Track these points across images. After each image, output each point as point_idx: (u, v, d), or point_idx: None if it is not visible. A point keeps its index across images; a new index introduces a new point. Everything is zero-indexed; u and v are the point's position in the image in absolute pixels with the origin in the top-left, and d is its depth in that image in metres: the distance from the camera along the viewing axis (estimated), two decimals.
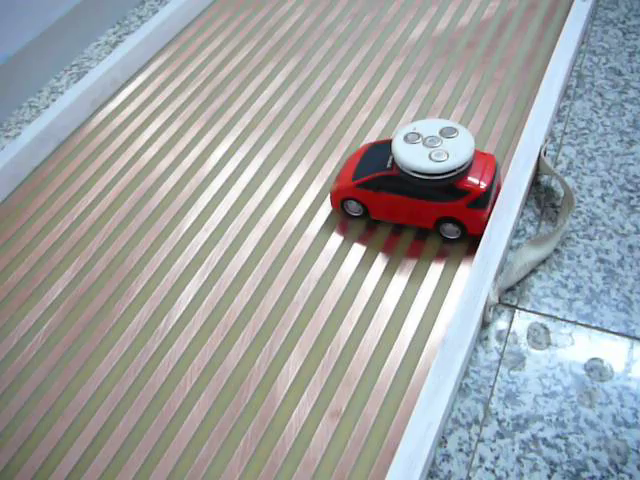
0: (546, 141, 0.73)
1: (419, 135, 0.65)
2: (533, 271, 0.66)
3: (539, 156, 0.71)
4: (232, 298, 0.65)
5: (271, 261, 0.68)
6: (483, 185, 0.64)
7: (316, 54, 0.92)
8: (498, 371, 0.59)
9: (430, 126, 0.66)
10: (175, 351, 0.62)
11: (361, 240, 0.69)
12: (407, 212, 0.66)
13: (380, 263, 0.66)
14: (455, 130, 0.65)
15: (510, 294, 0.64)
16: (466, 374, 0.59)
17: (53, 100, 0.95)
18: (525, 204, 0.72)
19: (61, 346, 0.64)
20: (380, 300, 0.63)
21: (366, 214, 0.69)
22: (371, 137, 0.79)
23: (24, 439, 0.58)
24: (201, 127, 0.84)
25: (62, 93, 0.97)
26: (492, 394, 0.58)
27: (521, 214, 0.71)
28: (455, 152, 0.63)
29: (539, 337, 0.61)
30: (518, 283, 0.65)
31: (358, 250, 0.68)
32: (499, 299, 0.64)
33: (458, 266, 0.65)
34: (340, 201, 0.69)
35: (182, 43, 0.97)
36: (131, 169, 0.80)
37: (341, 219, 0.71)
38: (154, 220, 0.74)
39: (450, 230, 0.66)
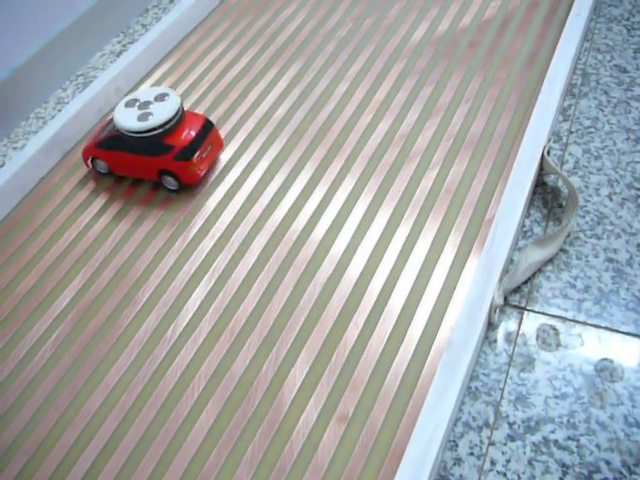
0: (549, 140, 0.73)
1: (137, 100, 0.76)
2: (541, 272, 0.65)
3: (542, 156, 0.71)
4: (238, 304, 0.65)
5: (276, 266, 0.68)
6: (186, 140, 0.74)
7: (318, 58, 0.92)
8: (508, 373, 0.59)
9: (150, 93, 0.77)
10: (182, 358, 0.62)
11: (365, 243, 0.68)
12: (136, 167, 0.77)
13: (384, 268, 0.66)
14: (167, 95, 0.76)
15: (518, 295, 0.64)
16: (476, 377, 0.59)
17: (59, 110, 0.96)
18: (531, 204, 0.72)
19: (70, 356, 0.64)
20: (385, 304, 0.63)
21: (111, 171, 0.80)
22: (374, 140, 0.79)
23: (35, 449, 0.58)
24: None
25: (68, 103, 0.97)
26: (502, 397, 0.57)
27: (528, 215, 0.71)
28: (159, 112, 0.74)
29: (548, 338, 0.61)
30: (525, 284, 0.65)
31: (363, 253, 0.68)
32: (504, 300, 0.63)
33: (463, 267, 0.65)
34: (89, 160, 0.80)
35: (185, 50, 0.97)
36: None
37: (343, 224, 0.71)
38: (160, 228, 0.74)
39: (170, 182, 0.76)
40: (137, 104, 0.76)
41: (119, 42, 1.05)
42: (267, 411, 0.57)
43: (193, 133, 0.75)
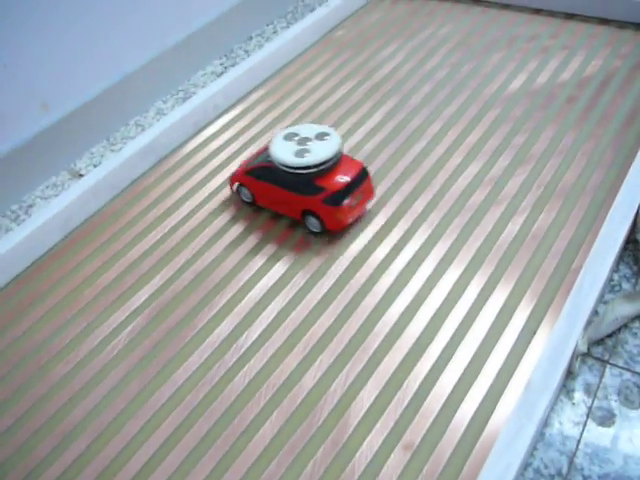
0: None
1: (297, 135, 0.75)
2: (627, 327, 0.63)
3: (638, 212, 0.69)
4: (314, 320, 0.65)
5: (356, 289, 0.68)
6: (339, 184, 0.71)
7: (414, 97, 0.93)
8: (586, 425, 0.56)
9: (310, 130, 0.75)
10: (252, 366, 0.62)
11: (446, 278, 0.68)
12: (280, 202, 0.75)
13: (463, 304, 0.65)
14: (328, 134, 0.74)
15: (602, 349, 0.62)
16: (551, 424, 0.57)
17: (158, 120, 1.00)
18: (621, 260, 0.70)
19: (142, 349, 0.65)
20: (462, 338, 0.62)
21: (254, 201, 0.78)
22: (463, 181, 0.79)
23: (97, 434, 0.58)
24: None
25: (167, 115, 1.01)
26: (578, 448, 0.55)
27: (616, 269, 0.69)
28: (318, 152, 0.72)
29: (632, 395, 0.58)
30: (610, 337, 0.62)
31: (443, 288, 0.67)
32: (588, 349, 0.61)
33: (545, 313, 0.63)
34: (235, 186, 0.79)
35: (284, 77, 1.00)
36: (224, 190, 0.82)
37: (425, 258, 0.70)
38: (243, 240, 0.75)
39: (313, 223, 0.74)
40: (296, 139, 0.74)
41: (221, 64, 1.09)
42: (332, 429, 0.56)
43: (347, 179, 0.72)
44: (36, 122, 0.90)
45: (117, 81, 0.96)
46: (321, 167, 0.71)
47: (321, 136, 0.74)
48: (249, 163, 0.77)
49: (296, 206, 0.73)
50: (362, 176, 0.73)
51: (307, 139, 0.74)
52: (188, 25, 1.05)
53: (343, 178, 0.72)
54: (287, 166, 0.72)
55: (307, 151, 0.72)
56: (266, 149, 0.78)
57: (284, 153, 0.72)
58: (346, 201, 0.71)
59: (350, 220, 0.73)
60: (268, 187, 0.75)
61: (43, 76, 0.89)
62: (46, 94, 0.90)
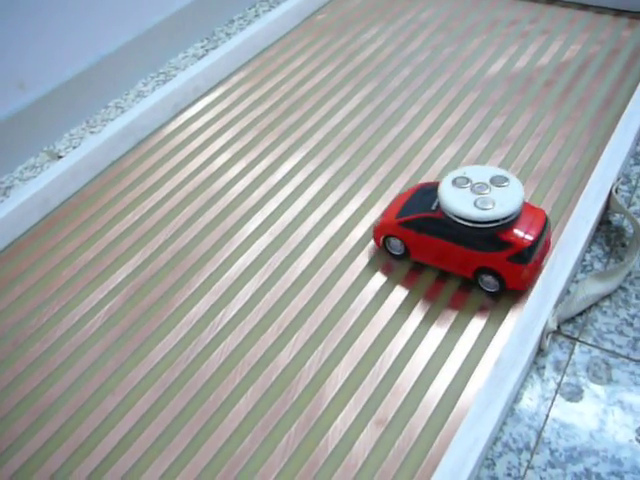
0: (618, 179, 0.72)
1: (468, 180, 0.63)
2: (597, 306, 0.64)
3: (610, 192, 0.70)
4: (289, 301, 0.66)
5: (331, 269, 0.68)
6: (528, 239, 0.61)
7: (393, 80, 0.93)
8: (554, 401, 0.57)
9: (481, 172, 0.64)
10: (228, 344, 0.63)
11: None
12: (447, 257, 0.64)
13: (439, 280, 0.66)
14: (506, 180, 0.63)
15: (572, 326, 0.63)
16: (520, 400, 0.58)
17: (138, 103, 0.99)
18: (594, 240, 0.71)
19: (119, 328, 0.65)
20: (435, 318, 0.63)
21: (407, 254, 0.67)
22: (440, 163, 0.80)
23: (75, 410, 0.59)
24: (275, 138, 0.86)
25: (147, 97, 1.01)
26: (546, 423, 0.56)
27: (589, 250, 0.70)
28: (502, 202, 0.60)
29: (600, 372, 0.59)
30: (580, 316, 0.63)
31: (418, 266, 0.68)
32: (558, 327, 0.62)
33: (518, 292, 0.64)
34: (383, 238, 0.68)
35: (264, 60, 1.00)
36: (203, 171, 0.82)
37: None
38: (220, 220, 0.75)
39: (489, 282, 0.64)
40: (468, 185, 0.63)
41: (202, 47, 1.09)
42: (306, 405, 0.57)
43: (535, 232, 0.62)
44: (13, 102, 0.90)
45: (96, 62, 0.96)
46: (507, 220, 0.61)
47: (497, 181, 0.63)
48: (400, 213, 0.66)
49: (470, 262, 0.63)
50: (545, 227, 0.63)
51: (482, 185, 0.62)
52: (169, 7, 1.04)
53: (530, 232, 0.61)
54: (468, 220, 0.61)
55: (488, 201, 0.61)
56: (414, 194, 0.68)
57: (461, 204, 0.61)
58: (533, 258, 0.61)
59: (535, 279, 0.63)
60: (433, 241, 0.64)
61: (19, 55, 0.88)
62: (23, 74, 0.89)
